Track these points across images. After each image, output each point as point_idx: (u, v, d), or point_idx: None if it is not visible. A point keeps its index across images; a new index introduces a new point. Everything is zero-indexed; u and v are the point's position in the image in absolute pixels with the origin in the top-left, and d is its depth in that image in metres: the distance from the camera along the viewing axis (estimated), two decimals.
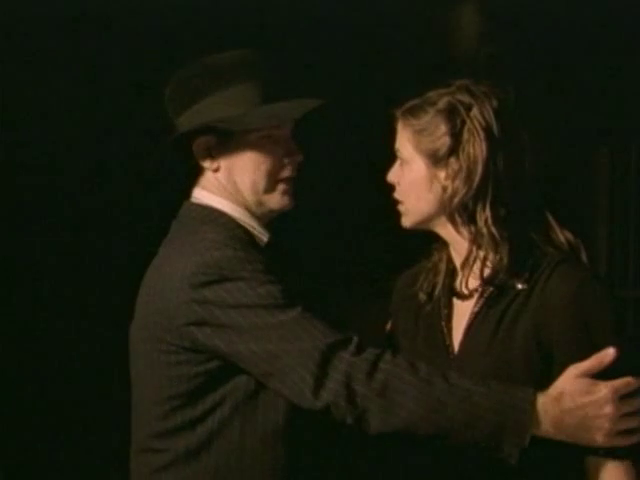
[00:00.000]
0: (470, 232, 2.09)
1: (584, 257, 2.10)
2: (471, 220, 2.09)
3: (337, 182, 5.04)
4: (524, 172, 2.09)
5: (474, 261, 2.11)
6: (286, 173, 2.19)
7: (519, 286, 2.06)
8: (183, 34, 4.28)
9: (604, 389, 1.94)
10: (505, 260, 2.06)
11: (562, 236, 2.09)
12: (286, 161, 2.19)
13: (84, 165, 4.58)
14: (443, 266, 2.20)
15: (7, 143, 4.53)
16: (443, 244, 2.20)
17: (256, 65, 2.18)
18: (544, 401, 1.93)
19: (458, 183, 2.07)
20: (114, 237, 4.54)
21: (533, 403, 1.92)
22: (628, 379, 1.96)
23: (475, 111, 2.07)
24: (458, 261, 2.17)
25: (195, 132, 2.17)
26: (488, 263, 2.09)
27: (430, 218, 2.14)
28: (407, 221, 2.17)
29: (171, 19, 4.44)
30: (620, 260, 5.91)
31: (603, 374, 1.96)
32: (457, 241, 2.14)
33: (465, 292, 2.14)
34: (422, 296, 2.21)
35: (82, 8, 4.30)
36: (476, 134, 2.06)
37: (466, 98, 2.09)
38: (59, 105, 4.53)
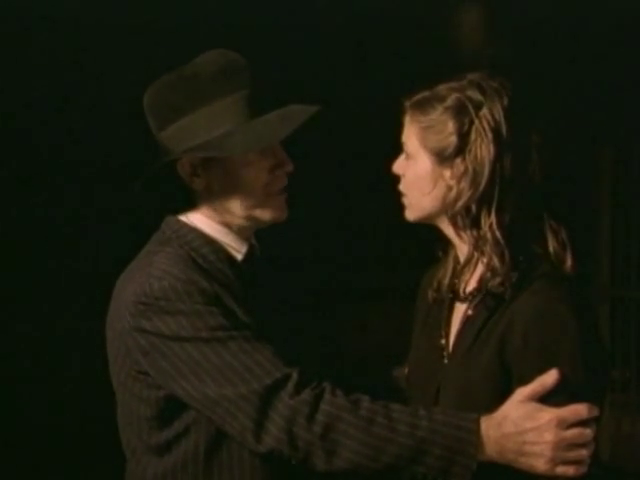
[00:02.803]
0: (472, 236, 2.02)
1: (568, 270, 1.99)
2: (474, 224, 2.01)
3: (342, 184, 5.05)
4: (529, 176, 2.01)
5: (475, 265, 2.04)
6: (277, 185, 2.10)
7: (506, 296, 1.97)
8: (183, 35, 4.28)
9: (547, 415, 1.86)
10: (503, 267, 1.98)
11: (552, 247, 2.00)
12: (276, 173, 2.09)
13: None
14: (450, 266, 2.15)
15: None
16: (450, 243, 2.14)
17: (237, 73, 2.08)
18: (487, 425, 1.87)
19: (463, 185, 1.99)
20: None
21: (478, 433, 1.87)
22: (576, 407, 1.86)
23: (485, 110, 1.98)
24: (461, 262, 2.11)
25: (179, 154, 2.07)
26: (486, 268, 2.01)
27: (434, 215, 2.07)
28: (410, 215, 2.10)
29: (171, 19, 4.44)
30: (622, 261, 5.91)
31: (553, 400, 1.86)
32: (458, 242, 2.08)
33: (462, 295, 2.08)
34: (432, 295, 2.17)
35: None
36: (484, 135, 1.97)
37: (476, 95, 1.99)
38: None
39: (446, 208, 2.03)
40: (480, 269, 2.04)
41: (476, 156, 1.98)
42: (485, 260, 2.01)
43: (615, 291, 5.87)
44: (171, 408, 2.02)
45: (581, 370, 1.90)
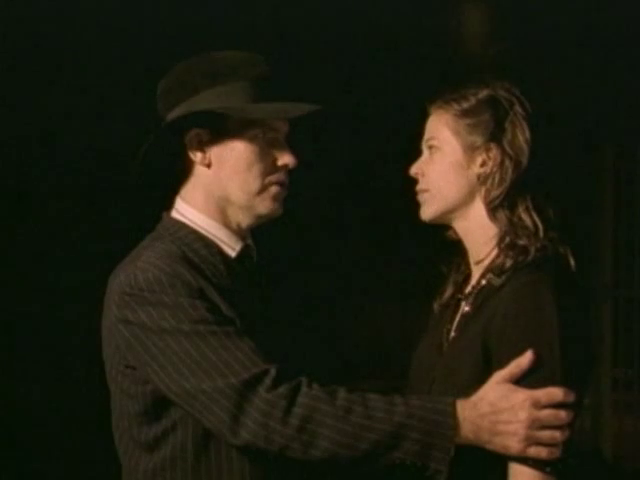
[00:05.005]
0: (507, 217, 2.06)
1: (551, 263, 2.02)
2: (511, 207, 2.06)
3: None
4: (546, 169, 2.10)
5: (485, 257, 2.08)
6: (278, 177, 2.12)
7: (496, 282, 2.02)
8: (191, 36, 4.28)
9: (522, 396, 1.89)
10: (536, 244, 2.02)
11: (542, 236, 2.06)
12: (279, 164, 2.12)
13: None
14: (453, 276, 2.19)
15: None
16: (460, 252, 2.17)
17: (254, 66, 2.13)
18: (462, 407, 1.90)
19: (505, 170, 2.05)
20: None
21: (454, 415, 1.89)
22: (551, 389, 1.89)
23: (517, 107, 2.08)
24: (473, 261, 2.14)
25: (188, 125, 2.10)
26: (502, 255, 2.05)
27: (454, 207, 2.11)
28: (428, 210, 2.14)
29: (173, 20, 4.45)
30: (625, 260, 5.91)
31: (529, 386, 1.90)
32: (475, 236, 2.11)
33: (463, 295, 2.12)
34: (436, 308, 2.22)
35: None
36: (519, 124, 2.06)
37: (506, 95, 2.10)
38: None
39: (472, 196, 2.08)
40: (485, 265, 2.07)
41: (513, 143, 2.06)
42: (520, 242, 2.03)
43: (618, 291, 5.87)
44: (158, 404, 2.03)
45: (559, 354, 1.92)
